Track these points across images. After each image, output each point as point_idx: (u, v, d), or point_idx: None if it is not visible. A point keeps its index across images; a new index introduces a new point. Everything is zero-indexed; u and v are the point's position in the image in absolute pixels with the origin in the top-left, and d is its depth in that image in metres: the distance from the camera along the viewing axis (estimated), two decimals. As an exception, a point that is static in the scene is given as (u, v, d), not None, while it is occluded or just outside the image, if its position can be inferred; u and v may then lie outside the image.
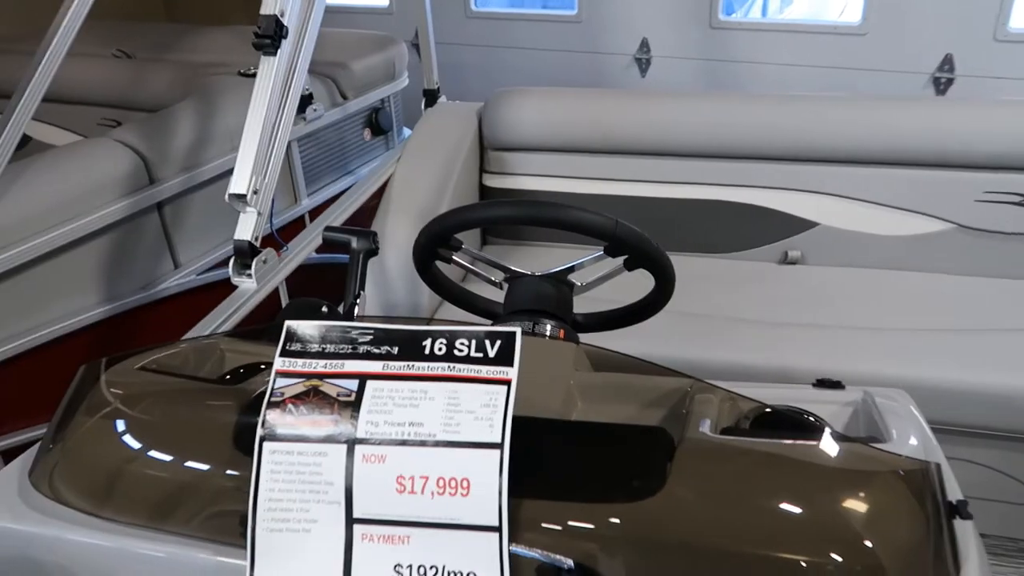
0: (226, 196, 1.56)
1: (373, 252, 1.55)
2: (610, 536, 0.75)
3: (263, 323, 1.59)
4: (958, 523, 0.79)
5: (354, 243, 1.52)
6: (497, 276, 1.40)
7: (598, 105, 2.32)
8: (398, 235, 2.01)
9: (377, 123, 3.04)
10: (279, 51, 1.68)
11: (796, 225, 2.22)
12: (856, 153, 2.15)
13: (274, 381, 0.83)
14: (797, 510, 0.75)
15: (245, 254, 1.57)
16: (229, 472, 0.85)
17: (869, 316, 1.92)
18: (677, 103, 2.27)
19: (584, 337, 1.40)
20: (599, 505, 0.76)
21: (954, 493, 0.83)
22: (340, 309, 1.46)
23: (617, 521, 0.75)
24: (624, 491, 0.77)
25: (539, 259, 1.94)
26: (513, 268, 1.37)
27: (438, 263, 1.44)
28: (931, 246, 2.11)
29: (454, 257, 1.39)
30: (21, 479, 0.92)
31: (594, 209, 1.25)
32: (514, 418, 0.77)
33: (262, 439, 0.80)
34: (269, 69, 1.66)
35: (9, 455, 1.84)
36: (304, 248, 1.75)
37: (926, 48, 3.33)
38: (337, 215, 1.99)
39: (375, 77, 3.00)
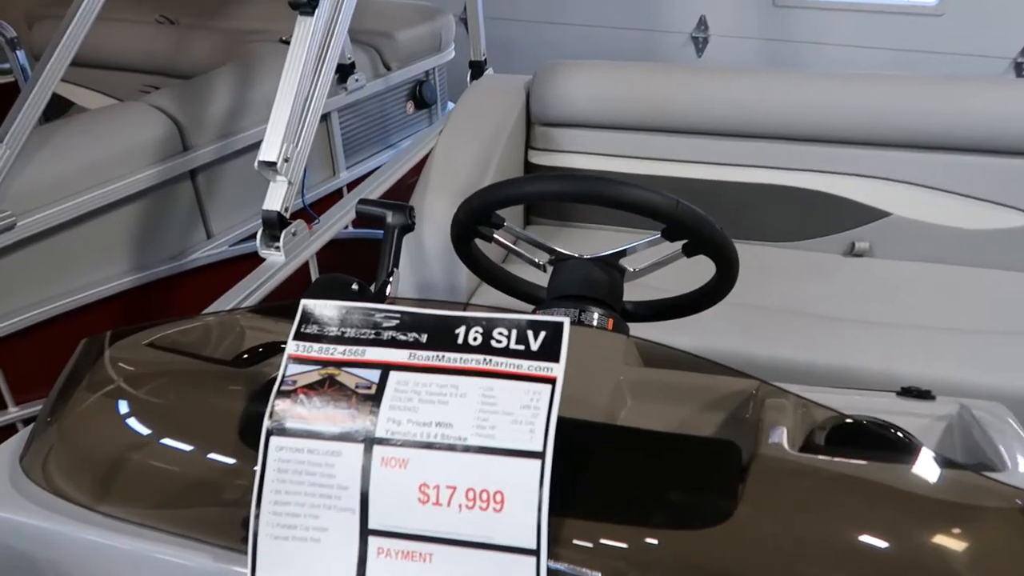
0: (255, 164, 1.47)
1: (409, 228, 1.45)
2: (668, 567, 0.64)
3: (290, 299, 1.50)
4: None
5: (389, 217, 1.43)
6: (541, 258, 1.29)
7: (652, 80, 2.18)
8: (437, 211, 1.90)
9: (421, 96, 2.93)
10: (316, 11, 1.58)
11: (865, 214, 2.06)
12: (933, 138, 1.97)
13: (285, 367, 0.73)
14: (894, 550, 0.62)
15: (274, 225, 1.48)
16: (234, 469, 0.75)
17: (948, 316, 1.76)
18: (737, 79, 2.11)
19: (633, 328, 1.28)
20: (655, 530, 0.65)
21: None
22: (372, 288, 1.36)
23: (676, 550, 0.64)
24: (686, 515, 0.65)
25: (586, 242, 1.82)
26: (559, 249, 1.25)
27: (478, 242, 1.34)
28: (1017, 242, 1.93)
29: (495, 236, 1.28)
30: (12, 463, 0.83)
31: (652, 187, 1.12)
32: (558, 422, 0.65)
33: (269, 433, 0.70)
34: (305, 30, 1.57)
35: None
36: (337, 221, 1.66)
37: (1008, 31, 3.10)
38: (373, 188, 1.89)
39: (420, 48, 2.89)
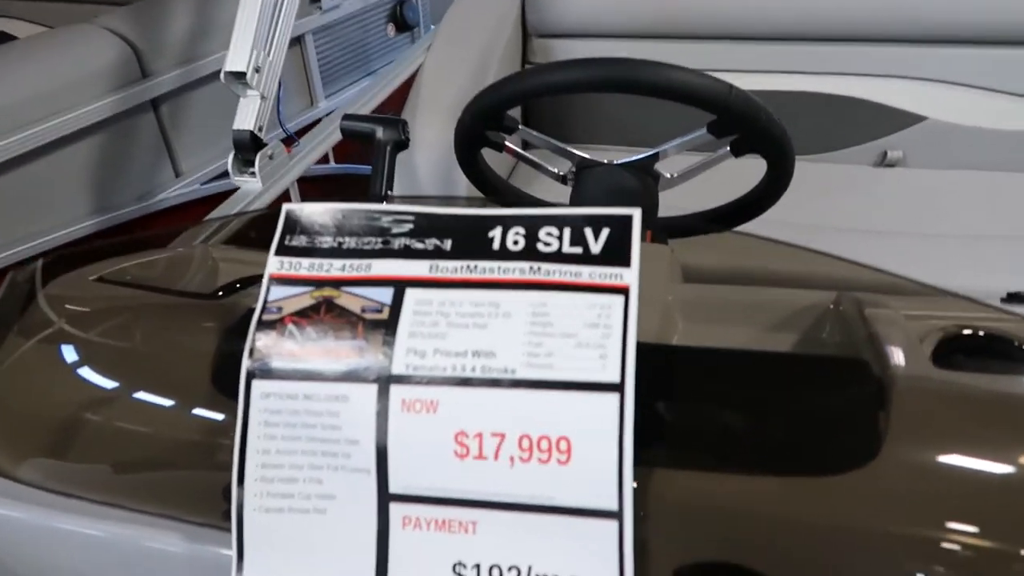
0: (221, 75, 1.27)
1: (403, 144, 1.26)
2: (794, 528, 0.48)
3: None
4: None
5: (380, 133, 1.24)
6: (562, 167, 1.11)
7: None
8: (428, 133, 1.70)
9: (402, 17, 2.70)
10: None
11: (898, 120, 1.88)
12: (970, 30, 1.78)
13: (267, 290, 0.56)
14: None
15: (247, 147, 1.29)
16: (208, 426, 0.58)
17: (983, 223, 1.60)
18: None
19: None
20: (775, 480, 0.49)
21: None
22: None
23: (804, 505, 0.48)
24: (814, 457, 0.49)
25: (609, 154, 1.63)
26: (582, 154, 1.07)
27: (484, 153, 1.15)
28: (1068, 142, 1.76)
29: (508, 143, 1.10)
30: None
31: (699, 71, 0.94)
32: (646, 333, 0.49)
33: (250, 375, 0.53)
34: (271, -80, 1.35)
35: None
36: (320, 143, 1.46)
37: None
38: (358, 107, 1.69)
39: (400, -37, 2.65)
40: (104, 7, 2.52)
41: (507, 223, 0.56)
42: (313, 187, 1.59)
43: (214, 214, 1.21)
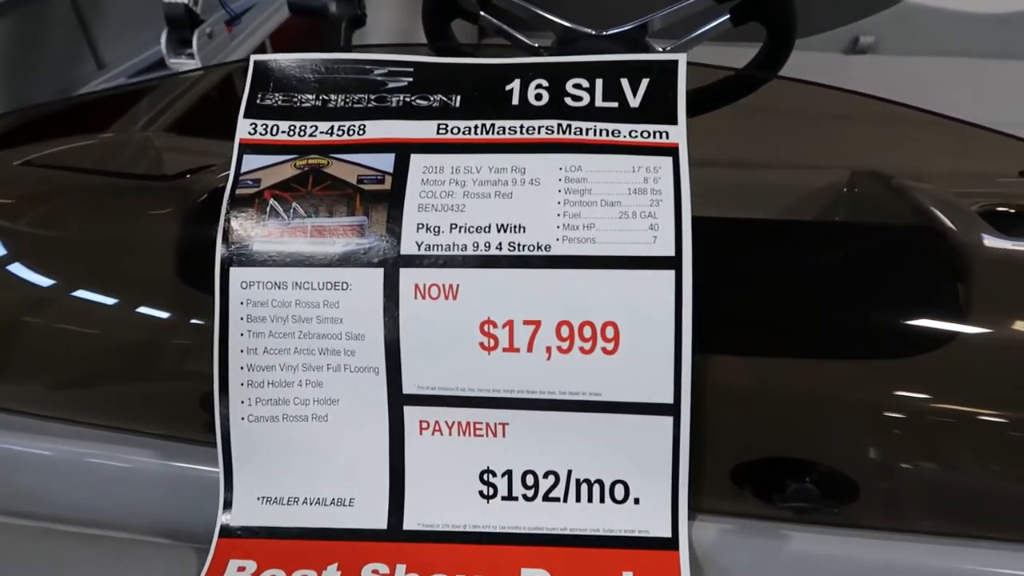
0: (146, -63, 1.11)
1: (359, 20, 1.13)
2: (869, 416, 0.42)
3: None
4: None
5: (333, 7, 1.11)
6: (543, 41, 1.00)
7: None
8: (381, 15, 1.55)
9: None
10: None
11: (871, 2, 1.80)
12: None
13: (239, 160, 0.46)
14: None
15: (182, 24, 1.14)
16: (174, 323, 0.49)
17: (977, 114, 1.56)
18: None
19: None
20: (846, 364, 0.43)
21: None
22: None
23: (881, 390, 0.42)
24: (888, 338, 0.43)
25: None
26: (565, 23, 0.96)
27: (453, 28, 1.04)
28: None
29: (483, 14, 0.98)
30: None
31: None
32: (702, 199, 0.41)
33: (226, 263, 0.44)
34: None
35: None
36: (265, 21, 1.31)
37: None
38: None
39: None
40: None
41: (527, 73, 0.47)
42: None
43: (147, 105, 1.07)
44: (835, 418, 0.42)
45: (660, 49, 0.98)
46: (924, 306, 0.43)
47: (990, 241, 0.48)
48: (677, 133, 0.45)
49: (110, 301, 0.49)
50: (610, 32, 0.95)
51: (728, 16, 0.93)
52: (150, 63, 1.83)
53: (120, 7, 1.78)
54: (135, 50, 1.83)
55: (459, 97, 0.47)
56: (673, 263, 0.41)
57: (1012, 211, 0.59)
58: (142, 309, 0.49)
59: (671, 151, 0.44)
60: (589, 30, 0.96)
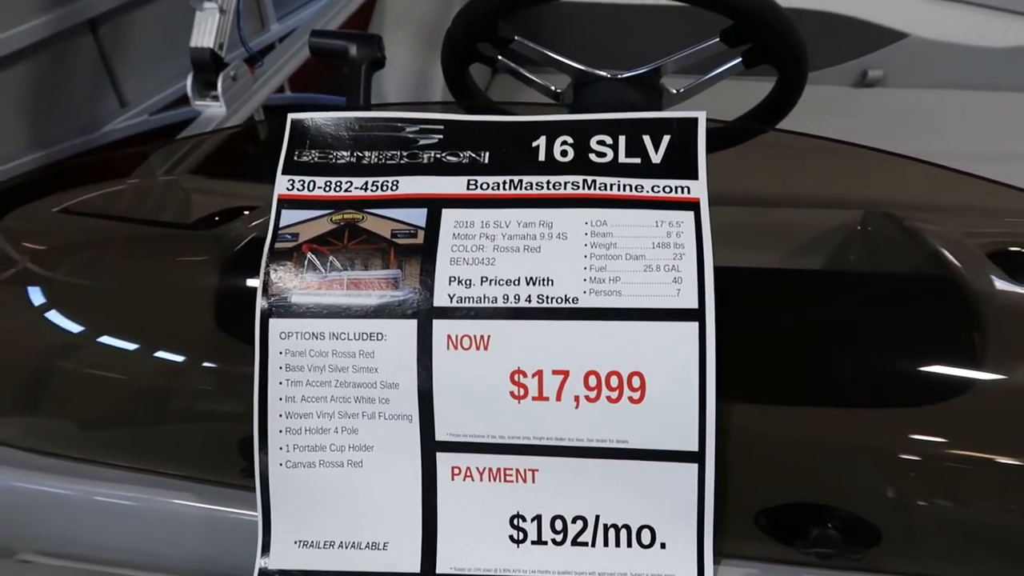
0: (175, -15, 1.15)
1: (379, 63, 1.16)
2: (889, 463, 0.44)
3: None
4: None
5: (353, 51, 1.13)
6: (559, 83, 1.03)
7: None
8: (399, 51, 1.58)
9: (355, -68, 2.52)
10: None
11: (878, 37, 1.82)
12: None
13: (277, 215, 0.48)
14: None
15: (208, 68, 1.17)
16: (215, 372, 0.51)
17: (977, 146, 1.57)
18: None
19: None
20: (867, 412, 0.44)
21: None
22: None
23: (898, 438, 0.44)
24: (907, 388, 0.45)
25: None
26: (581, 67, 0.99)
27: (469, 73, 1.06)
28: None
29: (500, 58, 1.01)
30: None
31: None
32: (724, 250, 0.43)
33: (266, 315, 0.46)
34: None
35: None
36: (287, 63, 1.34)
37: None
38: (325, 22, 1.57)
39: None
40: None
41: (553, 131, 0.49)
42: (277, 115, 1.48)
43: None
44: (855, 465, 0.43)
45: (674, 91, 1.01)
46: (941, 354, 0.45)
47: (1004, 287, 0.50)
48: (698, 188, 0.46)
49: (153, 350, 0.51)
50: (625, 75, 0.98)
51: (740, 59, 0.96)
52: (171, 100, 1.88)
53: (141, 45, 1.83)
54: (156, 87, 1.87)
55: (488, 153, 0.49)
56: (696, 315, 0.43)
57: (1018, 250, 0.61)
58: (185, 358, 0.51)
59: (693, 206, 0.46)
60: (604, 73, 0.99)
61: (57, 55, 1.64)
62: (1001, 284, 0.49)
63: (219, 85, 1.18)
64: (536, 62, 1.02)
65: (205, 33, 1.16)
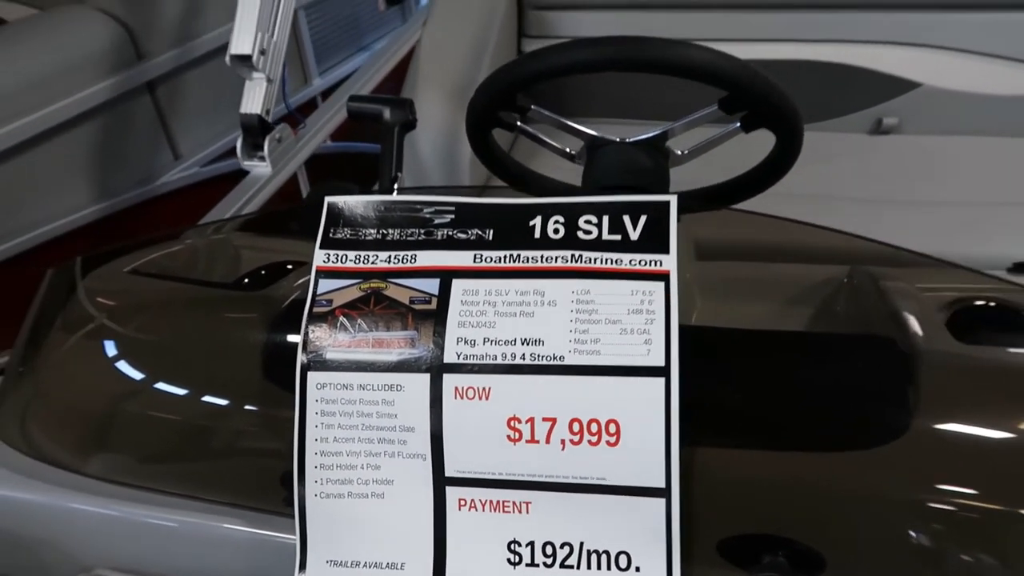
0: (227, 58, 1.27)
1: (410, 125, 1.26)
2: (830, 501, 0.51)
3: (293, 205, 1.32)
4: None
5: (387, 114, 1.24)
6: (573, 145, 1.12)
7: None
8: (430, 111, 1.70)
9: (392, -9, 2.67)
10: None
11: (892, 87, 1.89)
12: None
13: (316, 284, 0.57)
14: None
15: (255, 131, 1.29)
16: (262, 415, 0.60)
17: (979, 189, 1.63)
18: None
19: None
20: (811, 456, 0.51)
21: None
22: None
23: (839, 479, 0.51)
24: (848, 433, 0.52)
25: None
26: (594, 132, 1.08)
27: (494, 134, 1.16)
28: (1061, 105, 1.79)
29: (519, 124, 1.11)
30: (-21, 425, 0.68)
31: (710, 48, 0.95)
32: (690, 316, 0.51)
33: (305, 368, 0.55)
34: (269, -101, 1.33)
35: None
36: (326, 123, 1.46)
37: None
38: (359, 87, 1.69)
39: (388, -65, 2.62)
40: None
41: (547, 212, 0.57)
42: (317, 164, 1.60)
43: (231, 202, 1.21)
44: (801, 500, 0.51)
45: (679, 152, 1.09)
46: (874, 403, 0.52)
47: (945, 346, 0.57)
48: (669, 262, 0.54)
49: (211, 397, 0.61)
50: (633, 140, 1.06)
51: (739, 124, 1.04)
52: (220, 152, 2.02)
53: (193, 103, 1.97)
54: (207, 141, 2.02)
55: (492, 231, 0.57)
56: (663, 372, 0.51)
57: (986, 307, 0.68)
58: (237, 403, 0.60)
59: (663, 277, 0.54)
60: (615, 137, 1.07)
61: (119, 115, 1.79)
62: (938, 343, 0.56)
63: (266, 147, 1.30)
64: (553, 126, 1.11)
65: (253, 101, 1.28)
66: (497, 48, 1.94)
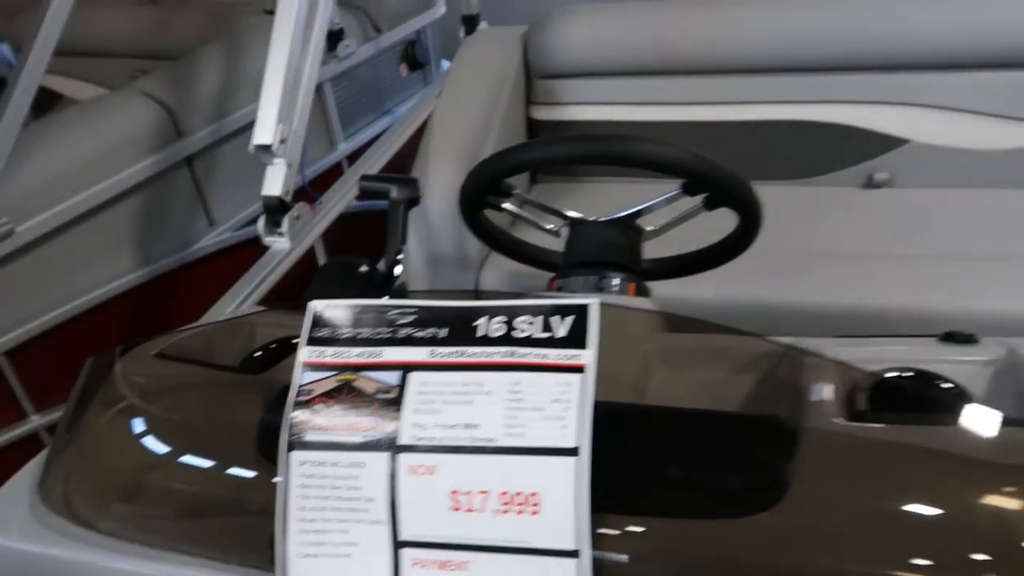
0: (250, 147, 1.42)
1: (415, 201, 1.40)
2: (716, 560, 0.60)
3: (299, 285, 1.46)
4: None
5: (393, 192, 1.38)
6: (555, 223, 1.24)
7: (656, 19, 2.09)
8: (441, 179, 1.84)
9: (414, 56, 2.84)
10: (299, -21, 1.51)
11: (883, 143, 1.98)
12: (946, 55, 1.88)
13: (300, 376, 0.69)
14: (959, 525, 0.59)
15: (275, 211, 1.43)
16: (257, 485, 0.72)
17: (978, 243, 1.70)
18: (743, 11, 2.02)
19: (655, 285, 1.24)
20: (700, 521, 0.61)
21: None
22: (381, 265, 1.32)
23: (724, 541, 0.60)
24: (732, 502, 0.62)
25: (601, 197, 1.73)
26: (571, 214, 1.20)
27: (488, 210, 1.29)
28: (1043, 158, 1.85)
29: (504, 205, 1.23)
30: (31, 492, 0.81)
31: (667, 141, 1.07)
32: (603, 403, 0.61)
33: (289, 447, 0.67)
34: (289, 1, 1.49)
35: (52, 433, 1.78)
36: (340, 200, 1.61)
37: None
38: (374, 161, 1.84)
39: (409, 6, 2.79)
40: (140, 59, 2.71)
41: (490, 313, 0.69)
42: (336, 224, 1.73)
43: (253, 276, 1.35)
44: (688, 561, 0.60)
45: (649, 228, 1.20)
46: (748, 476, 0.62)
47: (824, 425, 0.66)
48: (587, 356, 0.65)
49: (212, 468, 0.73)
50: (607, 219, 1.18)
51: (702, 203, 1.14)
52: (252, 218, 2.17)
53: (227, 172, 2.14)
54: (239, 206, 2.18)
55: (446, 330, 0.69)
56: (575, 451, 0.61)
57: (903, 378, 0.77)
58: (234, 474, 0.72)
59: (581, 370, 0.65)
60: (591, 217, 1.19)
61: (160, 188, 1.96)
62: (820, 421, 0.65)
63: (285, 224, 1.44)
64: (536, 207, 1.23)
65: (275, 184, 1.42)
66: (507, 117, 2.08)
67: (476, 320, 0.69)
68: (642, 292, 1.13)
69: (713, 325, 0.80)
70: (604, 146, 1.08)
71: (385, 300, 0.72)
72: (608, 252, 1.14)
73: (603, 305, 0.68)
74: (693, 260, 1.23)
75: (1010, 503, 0.59)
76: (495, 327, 0.68)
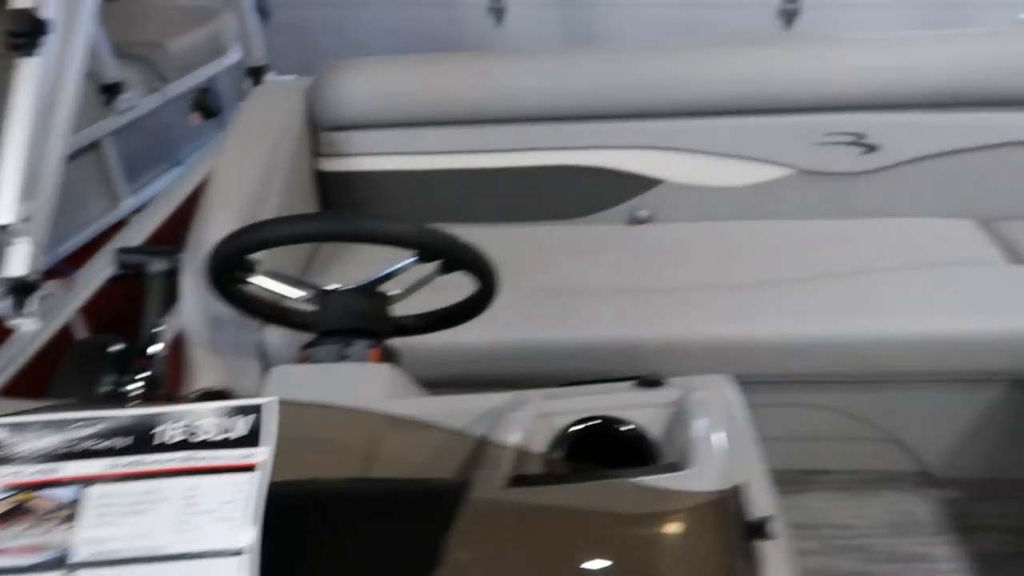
0: (-13, 228, 1.36)
1: (173, 274, 1.39)
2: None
3: (54, 366, 1.41)
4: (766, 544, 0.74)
5: (151, 265, 1.37)
6: (308, 292, 1.27)
7: (436, 72, 2.18)
8: (220, 233, 1.83)
9: (206, 104, 2.80)
10: (41, 49, 1.46)
11: (642, 184, 2.18)
12: (697, 104, 2.10)
13: (-26, 499, 0.69)
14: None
15: (20, 292, 1.38)
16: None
17: (716, 272, 1.90)
18: (513, 64, 2.15)
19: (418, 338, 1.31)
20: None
21: (763, 508, 0.78)
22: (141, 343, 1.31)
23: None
24: (392, 573, 0.68)
25: (374, 256, 1.81)
26: (315, 284, 1.24)
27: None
28: (774, 193, 2.10)
29: (251, 280, 1.25)
30: None
31: (396, 215, 1.14)
32: (278, 498, 0.66)
33: (-40, 576, 0.66)
34: (29, 73, 1.44)
35: None
36: (97, 277, 1.56)
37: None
38: (143, 226, 1.80)
39: (197, 55, 2.75)
40: None
41: (170, 419, 0.72)
42: (112, 285, 1.67)
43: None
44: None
45: (392, 293, 1.26)
46: (419, 549, 0.68)
47: (485, 495, 0.74)
48: (261, 454, 0.70)
49: None
50: (353, 286, 1.23)
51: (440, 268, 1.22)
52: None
53: None
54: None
55: (127, 440, 0.71)
56: (245, 551, 0.65)
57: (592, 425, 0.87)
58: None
59: (253, 468, 0.69)
60: (338, 285, 1.24)
61: None
62: (478, 493, 0.73)
63: (36, 305, 1.39)
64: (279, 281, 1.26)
65: (16, 264, 1.37)
66: (291, 170, 2.10)
67: (155, 427, 0.71)
68: (388, 355, 1.19)
69: (396, 418, 0.87)
70: (332, 224, 1.13)
71: (65, 413, 0.73)
72: (352, 319, 1.19)
73: (282, 403, 0.72)
74: (443, 316, 1.31)
75: (628, 560, 0.69)
76: (172, 433, 0.71)
